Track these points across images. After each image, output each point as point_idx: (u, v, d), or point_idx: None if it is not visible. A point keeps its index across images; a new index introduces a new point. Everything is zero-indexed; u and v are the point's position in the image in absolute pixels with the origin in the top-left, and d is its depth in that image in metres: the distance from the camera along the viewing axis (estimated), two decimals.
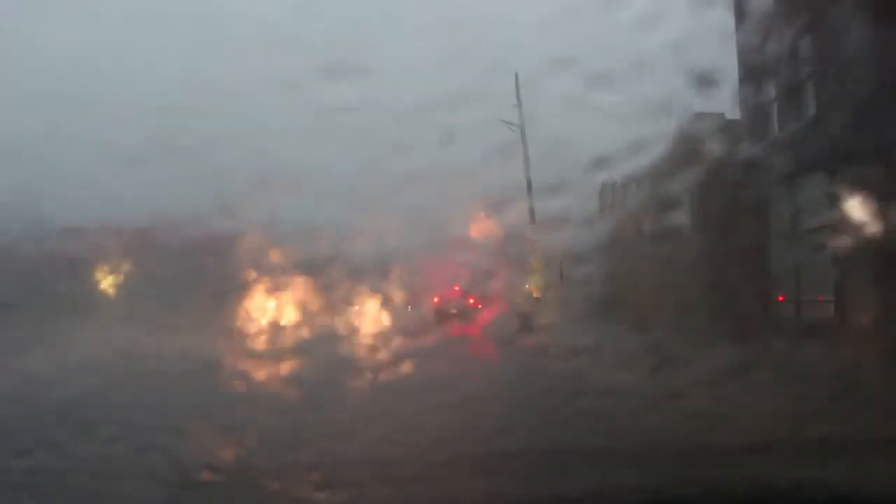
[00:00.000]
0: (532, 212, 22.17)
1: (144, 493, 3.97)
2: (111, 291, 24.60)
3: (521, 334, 20.29)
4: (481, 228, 27.44)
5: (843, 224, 12.96)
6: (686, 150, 20.74)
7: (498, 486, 3.62)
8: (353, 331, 18.52)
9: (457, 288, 31.16)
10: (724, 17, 17.08)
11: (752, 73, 16.47)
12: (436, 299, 28.32)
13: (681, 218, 21.44)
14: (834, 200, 13.27)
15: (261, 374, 9.86)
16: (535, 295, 21.73)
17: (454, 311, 27.17)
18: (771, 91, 16.03)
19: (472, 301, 31.52)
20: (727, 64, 17.07)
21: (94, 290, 24.45)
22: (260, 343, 16.38)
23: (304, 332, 18.26)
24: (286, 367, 10.65)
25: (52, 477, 4.40)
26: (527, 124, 21.98)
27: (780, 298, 15.36)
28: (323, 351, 13.08)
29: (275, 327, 20.42)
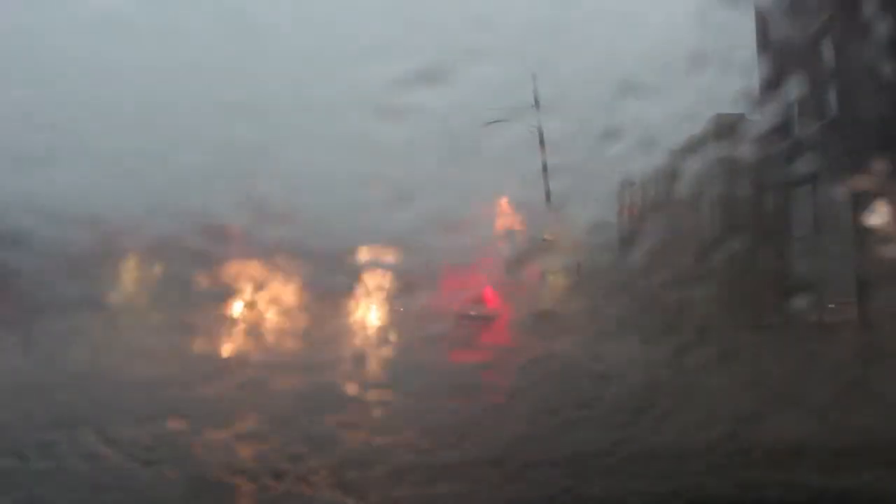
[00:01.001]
0: (550, 210, 22.12)
1: (164, 492, 3.99)
2: (132, 289, 24.78)
3: (538, 334, 20.22)
4: (499, 230, 27.46)
5: (867, 225, 12.84)
6: (707, 150, 20.62)
7: (520, 490, 3.61)
8: (369, 332, 18.58)
9: (475, 294, 31.85)
10: (745, 17, 17.01)
11: (773, 73, 16.37)
12: (455, 305, 29.28)
13: (701, 218, 21.31)
14: (856, 201, 13.15)
15: (278, 376, 9.89)
16: (553, 294, 21.65)
17: (473, 313, 28.15)
18: (793, 91, 15.90)
19: (487, 302, 31.78)
20: (748, 64, 17.00)
21: (114, 287, 24.63)
22: (277, 345, 16.44)
23: (322, 335, 18.32)
24: (304, 370, 10.68)
25: (67, 475, 4.44)
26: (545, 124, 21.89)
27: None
28: (341, 354, 13.12)
29: (291, 329, 20.49)
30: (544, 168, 21.76)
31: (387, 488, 3.67)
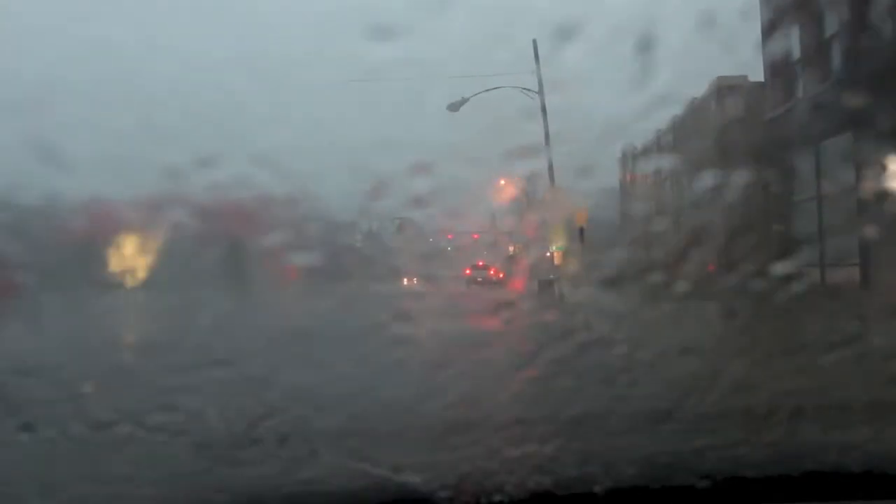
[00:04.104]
0: (552, 179, 22.00)
1: (175, 453, 4.04)
2: (139, 261, 24.95)
3: (542, 302, 20.33)
4: (502, 197, 27.44)
5: (870, 185, 12.79)
6: (709, 114, 20.50)
7: (530, 453, 3.63)
8: (382, 301, 18.62)
9: (480, 263, 33.80)
10: None
11: (776, 35, 16.21)
12: (467, 271, 32.62)
13: (703, 183, 21.25)
14: (860, 162, 13.10)
15: (293, 339, 9.96)
16: (557, 262, 21.68)
17: (479, 279, 30.41)
18: (796, 51, 15.76)
19: (493, 272, 32.78)
20: (751, 24, 16.84)
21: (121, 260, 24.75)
22: (292, 310, 16.53)
23: (334, 301, 18.42)
24: (318, 332, 10.76)
25: (74, 444, 4.49)
26: (545, 90, 21.59)
27: None
28: (354, 320, 13.17)
29: (307, 294, 20.55)
30: (546, 135, 21.58)
31: (392, 451, 3.70)
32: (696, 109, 21.64)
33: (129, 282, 24.25)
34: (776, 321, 9.61)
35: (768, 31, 16.74)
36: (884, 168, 12.50)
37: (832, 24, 14.29)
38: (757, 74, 17.81)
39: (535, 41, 21.73)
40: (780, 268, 15.12)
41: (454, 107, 21.36)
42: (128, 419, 4.81)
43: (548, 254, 23.70)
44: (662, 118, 22.77)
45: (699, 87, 21.43)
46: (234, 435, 4.24)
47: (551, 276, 21.88)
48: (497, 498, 2.18)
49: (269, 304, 19.22)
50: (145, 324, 16.18)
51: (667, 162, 25.00)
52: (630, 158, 30.07)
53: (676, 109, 22.13)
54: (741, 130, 17.77)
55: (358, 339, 9.56)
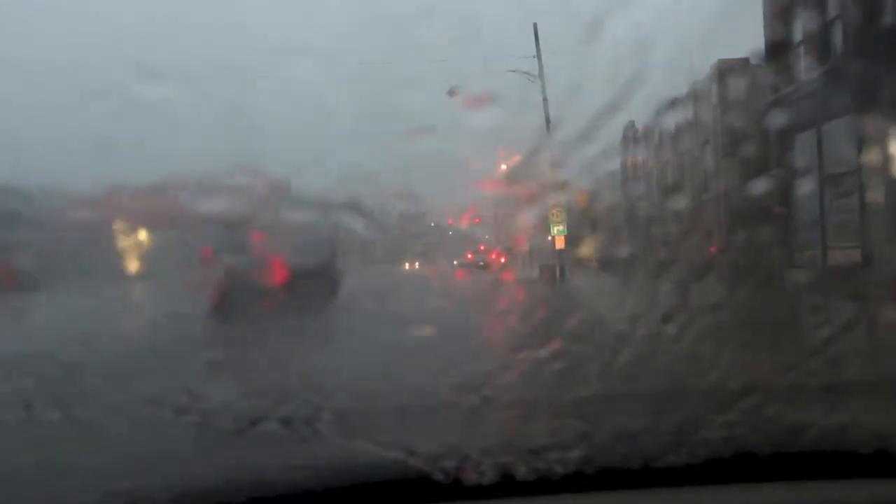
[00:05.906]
0: (553, 163, 21.94)
1: (176, 435, 4.05)
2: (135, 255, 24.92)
3: (544, 284, 20.37)
4: (503, 182, 27.44)
5: (871, 169, 12.78)
6: (710, 96, 20.41)
7: (533, 435, 3.64)
8: (385, 285, 18.67)
9: (482, 247, 34.11)
10: None
11: (778, 17, 16.12)
12: (469, 255, 33.58)
13: (704, 165, 21.21)
14: (861, 146, 13.07)
15: (287, 322, 10.00)
16: (558, 246, 21.68)
17: (481, 263, 30.78)
18: (797, 35, 15.68)
19: (495, 255, 32.91)
20: (753, 7, 16.75)
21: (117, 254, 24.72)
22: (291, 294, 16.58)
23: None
24: (315, 316, 10.79)
25: (78, 426, 4.50)
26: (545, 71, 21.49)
27: None
28: (356, 303, 13.20)
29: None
30: (547, 120, 21.50)
31: (396, 432, 3.72)
32: (696, 91, 21.56)
33: (129, 271, 24.24)
34: (777, 302, 9.63)
35: (770, 12, 16.65)
36: (886, 150, 12.48)
37: (834, 6, 14.21)
38: (758, 57, 17.74)
39: (535, 25, 21.67)
40: (782, 250, 15.17)
41: (454, 91, 21.31)
42: (130, 400, 4.84)
43: (549, 237, 23.71)
44: (663, 100, 22.70)
45: (700, 70, 21.36)
46: (237, 416, 4.25)
47: (552, 259, 21.87)
48: (499, 479, 2.19)
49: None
50: (149, 312, 16.26)
51: (667, 144, 24.91)
52: (631, 140, 30.03)
53: (677, 92, 22.07)
54: (742, 113, 17.71)
55: (359, 323, 9.60)
